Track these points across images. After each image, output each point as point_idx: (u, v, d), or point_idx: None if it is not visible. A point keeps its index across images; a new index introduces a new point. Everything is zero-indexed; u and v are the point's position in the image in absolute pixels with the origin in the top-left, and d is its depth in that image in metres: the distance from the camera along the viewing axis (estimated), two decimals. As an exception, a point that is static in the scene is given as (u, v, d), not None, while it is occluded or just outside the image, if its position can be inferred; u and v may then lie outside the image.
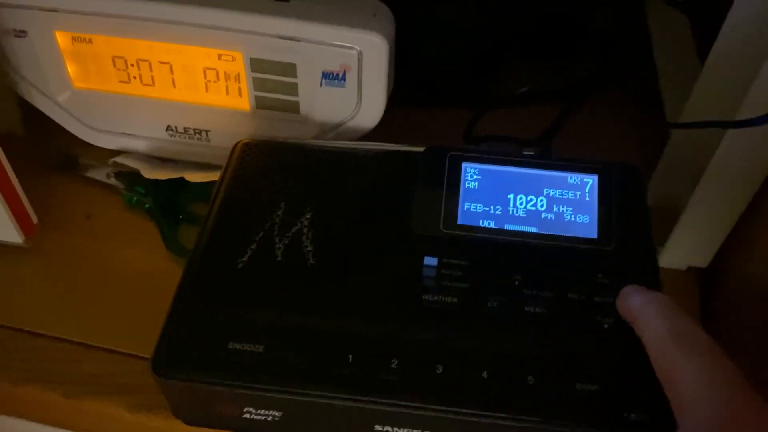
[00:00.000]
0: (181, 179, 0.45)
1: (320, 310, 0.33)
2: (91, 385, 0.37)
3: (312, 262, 0.35)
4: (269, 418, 0.32)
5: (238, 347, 0.31)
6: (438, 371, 0.31)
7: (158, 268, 0.42)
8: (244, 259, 0.35)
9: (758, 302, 0.38)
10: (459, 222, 0.36)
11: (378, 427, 0.32)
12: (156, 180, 0.45)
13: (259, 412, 0.32)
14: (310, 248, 0.35)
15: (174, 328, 0.32)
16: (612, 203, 0.37)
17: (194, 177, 0.44)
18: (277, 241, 0.35)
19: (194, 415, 0.34)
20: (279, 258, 0.35)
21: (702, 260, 0.42)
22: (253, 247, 0.35)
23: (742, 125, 0.31)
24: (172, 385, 0.31)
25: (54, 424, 0.41)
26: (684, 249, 0.42)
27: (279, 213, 0.37)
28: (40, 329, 0.39)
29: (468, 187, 0.37)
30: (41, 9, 0.40)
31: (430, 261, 0.35)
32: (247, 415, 0.32)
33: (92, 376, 0.38)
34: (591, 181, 0.37)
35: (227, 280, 0.34)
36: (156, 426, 0.36)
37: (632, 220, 0.36)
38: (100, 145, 0.47)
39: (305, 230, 0.36)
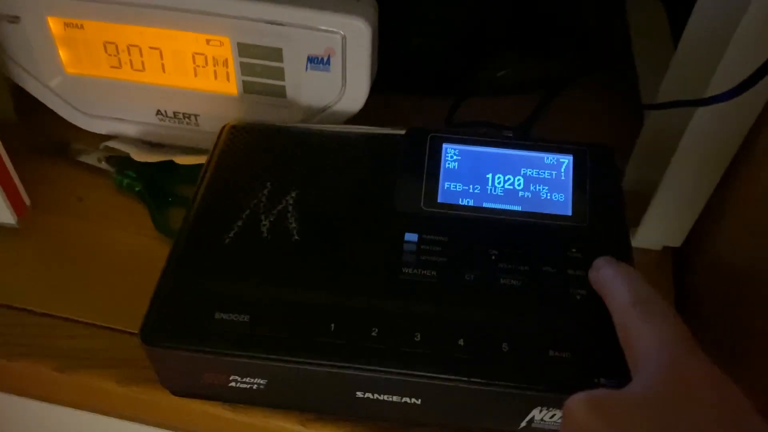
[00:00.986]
0: (171, 163, 0.46)
1: (304, 283, 0.34)
2: (82, 359, 0.38)
3: (296, 238, 0.36)
4: (254, 386, 0.33)
5: (224, 317, 0.33)
6: (416, 339, 0.32)
7: (147, 248, 0.43)
8: (231, 235, 0.36)
9: (727, 279, 0.40)
10: (439, 200, 0.38)
11: (359, 394, 0.33)
12: (146, 163, 0.46)
13: (244, 380, 0.33)
14: (294, 225, 0.36)
15: (162, 299, 0.33)
16: (586, 182, 0.38)
17: (183, 160, 0.45)
18: (262, 218, 0.37)
19: (181, 385, 0.35)
20: (264, 234, 0.36)
21: (675, 239, 0.44)
22: (239, 224, 0.36)
23: (710, 102, 0.33)
24: (159, 353, 0.33)
25: (47, 399, 0.42)
26: (658, 229, 0.44)
27: (265, 192, 0.38)
28: (34, 306, 0.40)
29: (448, 167, 0.39)
30: (33, -5, 0.41)
31: (411, 237, 0.36)
32: (233, 384, 0.33)
33: (83, 350, 0.39)
34: (566, 161, 0.39)
35: (214, 254, 0.35)
36: (144, 399, 0.37)
37: (606, 198, 0.38)
38: (91, 129, 0.48)
39: (290, 208, 0.37)
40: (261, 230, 0.36)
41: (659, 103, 0.39)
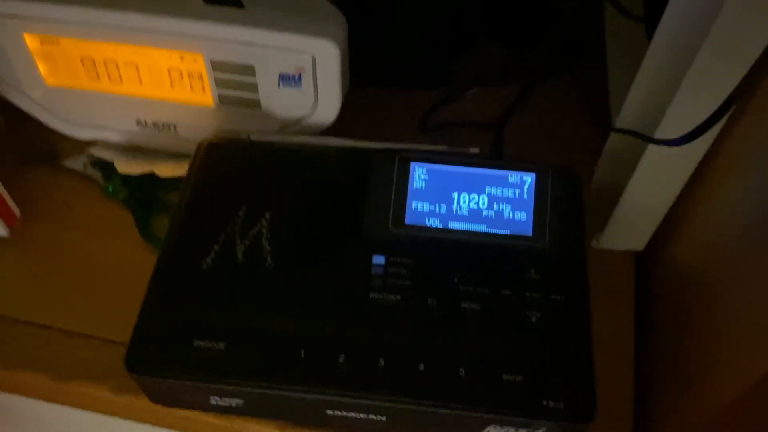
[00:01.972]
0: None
1: (276, 310, 0.36)
2: (77, 370, 0.41)
3: (270, 262, 0.38)
4: (233, 404, 0.36)
5: (202, 345, 0.35)
6: (380, 365, 0.35)
7: (135, 257, 0.45)
8: (208, 260, 0.38)
9: (679, 283, 0.42)
10: (407, 222, 0.39)
11: (329, 412, 0.36)
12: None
13: (224, 400, 0.36)
14: (268, 249, 0.38)
15: (144, 329, 0.36)
16: (547, 201, 0.39)
17: (164, 171, 0.47)
18: (238, 242, 0.39)
19: (167, 402, 0.38)
20: (240, 259, 0.38)
21: (638, 244, 0.46)
22: (217, 248, 0.38)
23: (660, 143, 0.34)
24: (145, 380, 0.35)
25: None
26: (622, 233, 0.45)
27: (240, 214, 0.39)
28: (27, 317, 0.43)
29: (416, 186, 0.40)
30: (8, 15, 0.42)
31: (378, 260, 0.38)
32: (214, 402, 0.36)
33: (78, 361, 0.41)
34: (529, 179, 0.40)
35: (193, 281, 0.37)
36: (139, 406, 0.40)
37: (567, 218, 0.39)
38: (75, 136, 0.49)
39: (264, 231, 0.39)
40: (237, 254, 0.38)
41: (617, 128, 0.40)
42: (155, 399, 0.38)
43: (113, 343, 0.42)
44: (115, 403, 0.41)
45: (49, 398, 0.43)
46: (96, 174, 0.49)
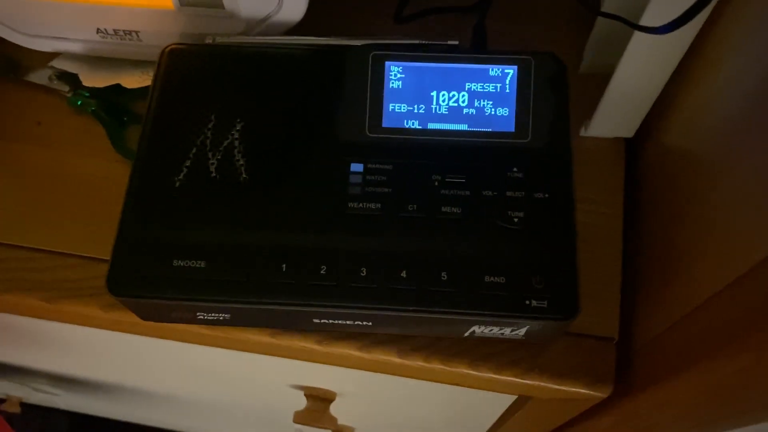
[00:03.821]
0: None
1: (254, 225, 0.36)
2: (65, 289, 0.41)
3: (244, 176, 0.37)
4: (220, 318, 0.37)
5: (181, 264, 0.35)
6: (362, 274, 0.34)
7: (110, 172, 0.44)
8: (180, 177, 0.37)
9: (675, 169, 0.41)
10: (384, 125, 0.38)
11: (316, 320, 0.36)
12: (96, 83, 0.46)
13: (210, 315, 0.36)
14: (242, 162, 0.37)
15: (123, 251, 0.35)
16: (530, 95, 0.38)
17: (131, 82, 0.45)
18: (210, 156, 0.37)
19: (155, 318, 0.38)
20: (213, 174, 0.37)
21: (627, 131, 0.44)
22: (188, 164, 0.37)
23: (646, 30, 0.32)
24: (129, 302, 0.35)
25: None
26: (610, 120, 0.44)
27: (210, 126, 0.38)
28: (6, 239, 0.43)
29: (392, 87, 0.38)
30: None
31: (356, 167, 0.37)
32: (201, 317, 0.37)
33: (64, 281, 0.42)
34: (511, 72, 0.38)
35: (167, 201, 0.36)
36: (129, 320, 0.41)
37: (551, 111, 0.37)
38: (35, 48, 0.46)
39: (236, 143, 0.38)
40: (210, 170, 0.37)
41: (604, 12, 0.37)
42: (144, 316, 0.38)
43: (97, 260, 0.42)
44: (106, 320, 0.41)
45: (41, 317, 0.44)
46: (63, 87, 0.47)
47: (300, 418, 0.63)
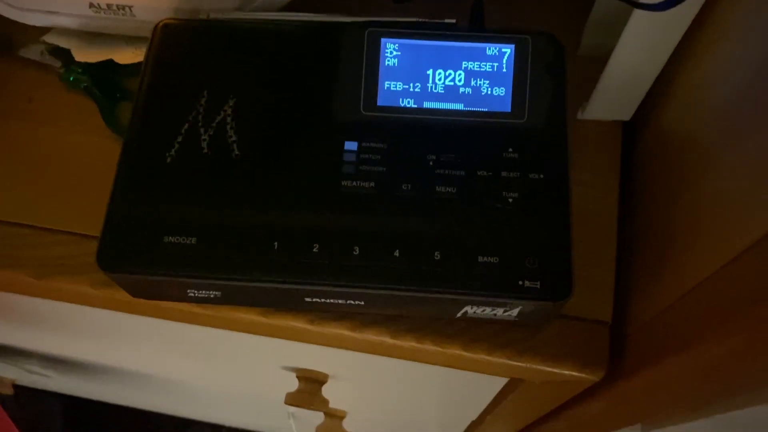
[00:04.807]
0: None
1: (246, 201, 0.35)
2: (55, 266, 0.41)
3: (237, 153, 0.36)
4: (211, 296, 0.36)
5: (173, 240, 0.35)
6: (355, 252, 0.34)
7: (102, 148, 0.44)
8: (172, 153, 0.36)
9: (672, 152, 0.41)
10: (379, 103, 0.37)
11: (308, 299, 0.36)
12: (89, 59, 0.45)
13: (201, 292, 0.36)
14: (234, 138, 0.37)
15: (113, 227, 0.35)
16: (527, 75, 0.37)
17: (124, 58, 0.44)
18: (202, 132, 0.37)
19: (146, 296, 0.38)
20: (205, 150, 0.36)
21: (625, 113, 0.44)
22: (180, 140, 0.37)
23: (645, 8, 0.31)
24: (119, 278, 0.35)
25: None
26: (608, 102, 0.43)
27: (202, 102, 0.37)
28: (3, 217, 0.42)
29: (388, 64, 0.38)
30: None
31: (350, 146, 0.36)
32: (192, 294, 0.36)
33: (54, 257, 0.41)
34: (508, 51, 0.38)
35: (158, 176, 0.36)
36: (119, 299, 0.41)
37: (548, 91, 0.37)
38: (27, 22, 0.46)
39: (229, 119, 0.37)
40: (201, 146, 0.37)
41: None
42: (134, 294, 0.38)
43: (88, 237, 0.42)
44: (97, 297, 0.41)
45: (30, 294, 0.43)
46: (55, 63, 0.47)
47: (292, 399, 0.63)
